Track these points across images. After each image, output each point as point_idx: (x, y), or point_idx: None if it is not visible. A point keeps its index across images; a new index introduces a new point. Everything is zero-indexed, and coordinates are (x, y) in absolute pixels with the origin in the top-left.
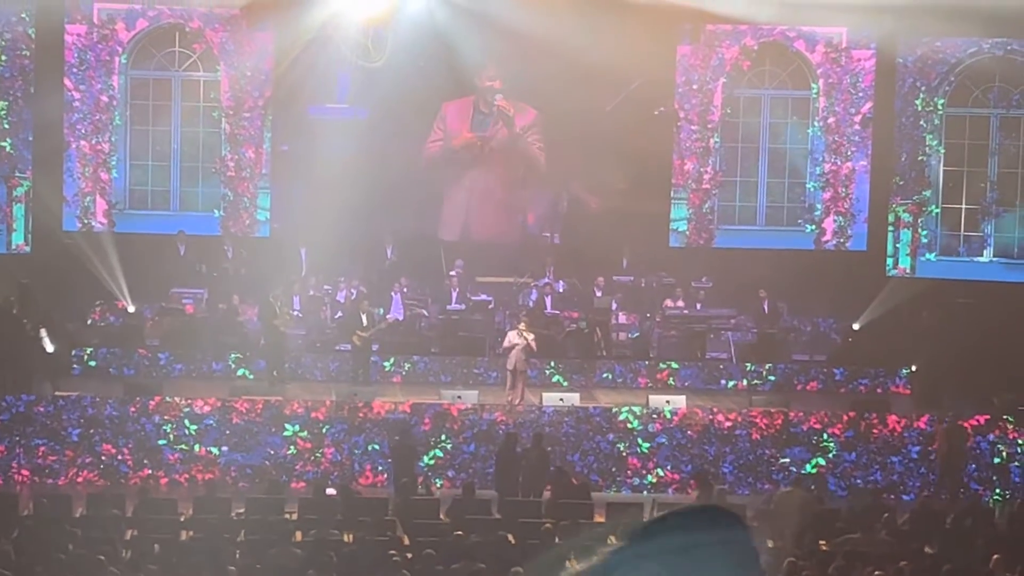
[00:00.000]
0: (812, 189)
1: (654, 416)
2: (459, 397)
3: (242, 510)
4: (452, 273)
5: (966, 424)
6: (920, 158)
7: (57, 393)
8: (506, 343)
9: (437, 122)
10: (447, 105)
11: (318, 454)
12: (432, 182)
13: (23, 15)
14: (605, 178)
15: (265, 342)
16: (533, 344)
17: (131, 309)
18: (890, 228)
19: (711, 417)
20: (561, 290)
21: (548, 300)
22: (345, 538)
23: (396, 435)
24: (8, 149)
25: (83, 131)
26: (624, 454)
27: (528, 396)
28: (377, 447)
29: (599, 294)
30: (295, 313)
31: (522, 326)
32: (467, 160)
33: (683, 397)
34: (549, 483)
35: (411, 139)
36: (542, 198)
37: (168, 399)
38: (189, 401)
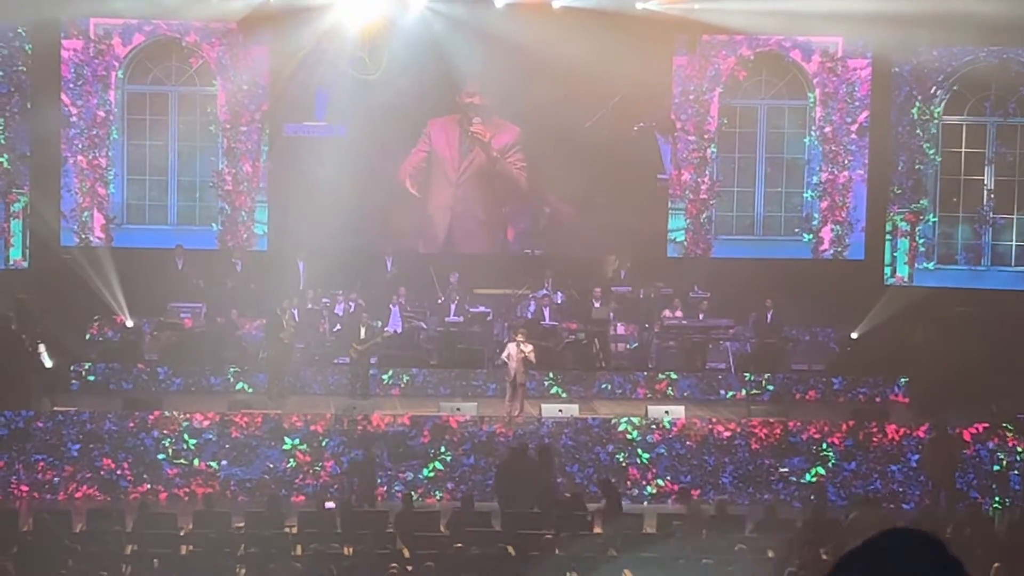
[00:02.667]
0: (809, 198)
1: (653, 427)
2: (458, 409)
3: (242, 524)
4: (453, 294)
5: (965, 432)
6: (917, 167)
7: (56, 408)
8: (505, 354)
9: (423, 138)
10: (433, 122)
11: (318, 467)
12: (415, 196)
13: (20, 30)
14: (593, 191)
15: (267, 355)
16: (532, 356)
17: (129, 324)
18: (887, 237)
19: (710, 427)
20: (560, 301)
21: (546, 312)
22: (345, 551)
23: (361, 449)
24: (5, 165)
25: (80, 146)
26: (623, 465)
27: (527, 408)
28: (377, 460)
29: (597, 305)
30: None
31: (520, 338)
32: (450, 178)
33: (682, 407)
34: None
35: (401, 153)
36: (524, 213)
37: (167, 414)
38: (188, 415)
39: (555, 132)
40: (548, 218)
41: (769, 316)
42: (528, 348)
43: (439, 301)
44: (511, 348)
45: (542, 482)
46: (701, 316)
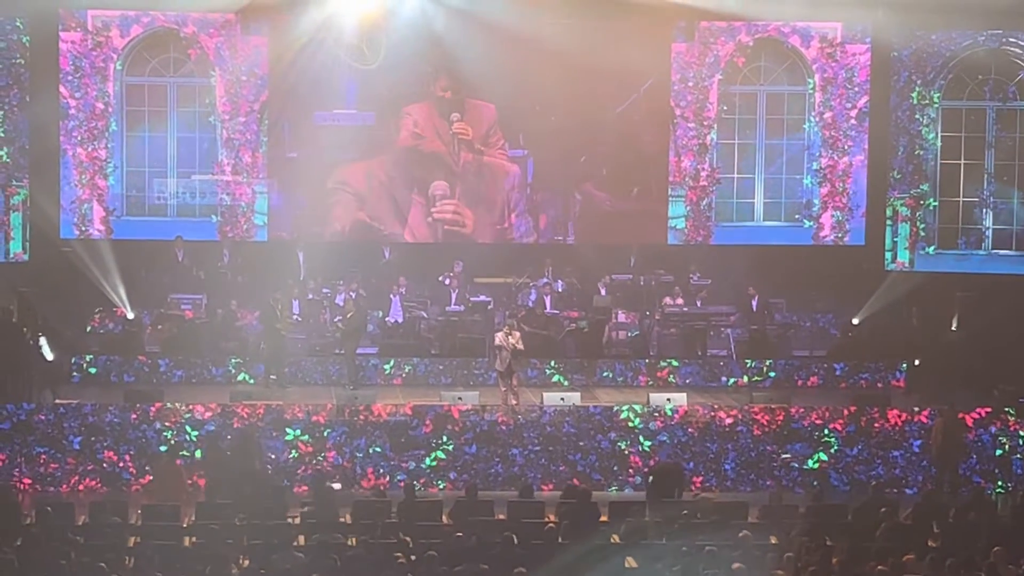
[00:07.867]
0: (809, 184)
1: (655, 414)
2: (460, 398)
3: (244, 515)
4: (447, 276)
5: (967, 417)
6: (917, 152)
7: (57, 401)
8: (497, 342)
9: (404, 119)
10: (409, 108)
11: (320, 457)
12: (411, 183)
13: (17, 23)
14: (611, 178)
15: (265, 345)
16: (520, 345)
17: (130, 316)
18: (888, 222)
19: (712, 414)
20: (560, 290)
21: (547, 300)
22: (349, 542)
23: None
24: (4, 158)
25: (79, 138)
26: (626, 452)
27: (528, 396)
28: (379, 449)
29: (604, 293)
30: (295, 317)
31: (506, 329)
32: (453, 170)
33: (684, 395)
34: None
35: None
36: (554, 200)
37: (169, 405)
38: (190, 407)
39: (569, 118)
40: (579, 205)
41: (754, 304)
42: (515, 336)
43: (441, 279)
44: (499, 337)
45: (240, 466)
46: (699, 303)
